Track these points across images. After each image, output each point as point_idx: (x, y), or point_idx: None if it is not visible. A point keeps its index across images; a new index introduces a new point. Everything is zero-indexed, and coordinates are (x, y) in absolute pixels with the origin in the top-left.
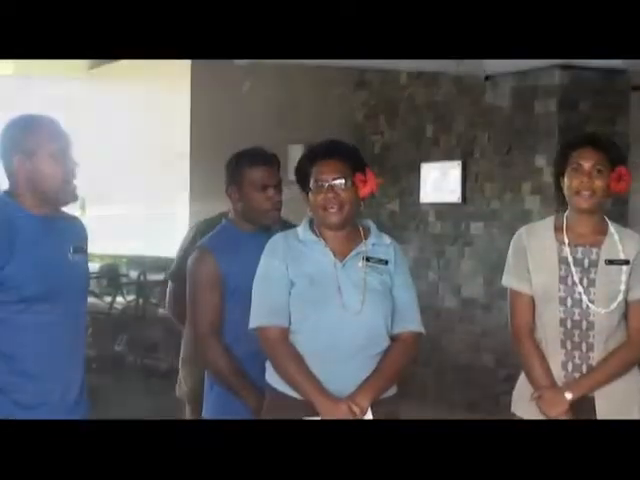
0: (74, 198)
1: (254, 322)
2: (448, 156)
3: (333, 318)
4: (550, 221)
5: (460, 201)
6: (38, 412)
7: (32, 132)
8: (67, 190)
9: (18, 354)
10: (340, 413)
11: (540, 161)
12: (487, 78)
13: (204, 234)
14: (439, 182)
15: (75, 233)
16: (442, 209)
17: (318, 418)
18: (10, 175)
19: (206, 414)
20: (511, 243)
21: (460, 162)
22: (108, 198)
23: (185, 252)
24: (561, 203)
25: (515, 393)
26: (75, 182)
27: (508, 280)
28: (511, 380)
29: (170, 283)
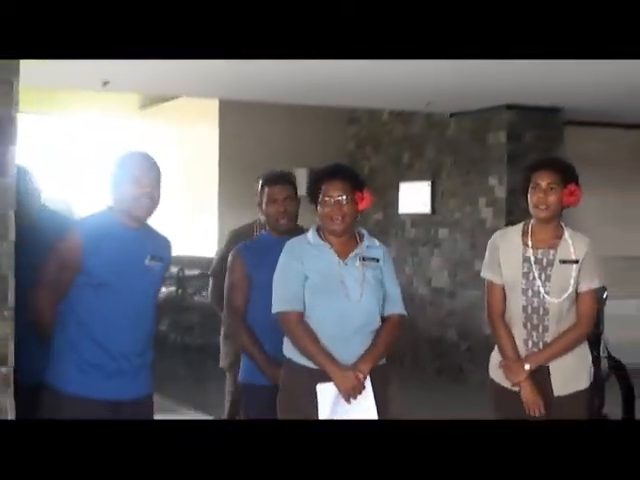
0: (150, 210)
1: (276, 308)
2: (421, 177)
3: (339, 305)
4: (519, 227)
5: (430, 212)
6: (95, 371)
7: (124, 164)
8: (143, 202)
9: (89, 323)
10: (348, 378)
11: (492, 181)
12: (451, 115)
13: (234, 240)
14: (414, 197)
15: (157, 246)
16: (416, 219)
17: (330, 383)
18: (113, 196)
19: (240, 377)
20: (488, 244)
21: (430, 182)
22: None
23: (222, 254)
24: (513, 213)
25: (491, 361)
26: (153, 197)
27: (485, 272)
28: (471, 351)
29: (211, 279)
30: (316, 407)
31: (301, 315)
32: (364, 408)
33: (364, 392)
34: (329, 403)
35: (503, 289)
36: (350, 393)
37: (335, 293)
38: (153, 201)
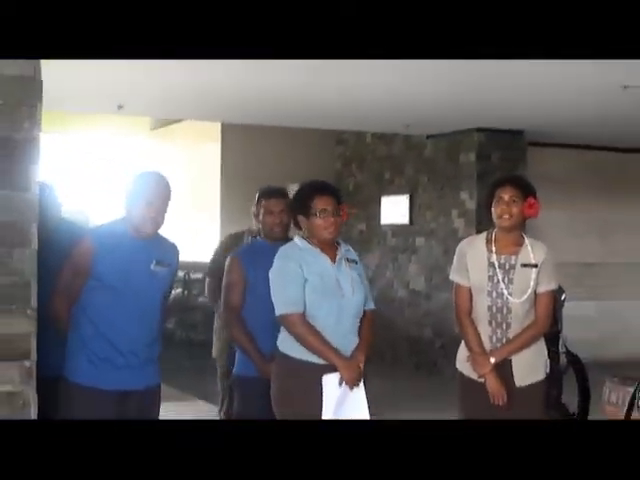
0: (155, 230)
1: (280, 310)
2: (400, 192)
3: (338, 303)
4: (483, 236)
5: (408, 223)
6: (105, 365)
7: (140, 185)
8: (149, 224)
9: (99, 322)
10: (353, 368)
11: (464, 195)
12: (428, 137)
13: (229, 244)
14: (394, 210)
15: (163, 252)
16: (396, 229)
17: (335, 374)
18: (126, 210)
19: (234, 370)
20: (456, 250)
21: (408, 196)
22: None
23: (216, 256)
24: (482, 223)
25: (458, 355)
26: (158, 221)
27: (453, 276)
28: (444, 348)
29: (207, 278)
30: (316, 397)
31: (302, 315)
32: (359, 396)
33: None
34: (335, 392)
35: (469, 290)
36: (355, 382)
37: (333, 291)
38: (159, 222)
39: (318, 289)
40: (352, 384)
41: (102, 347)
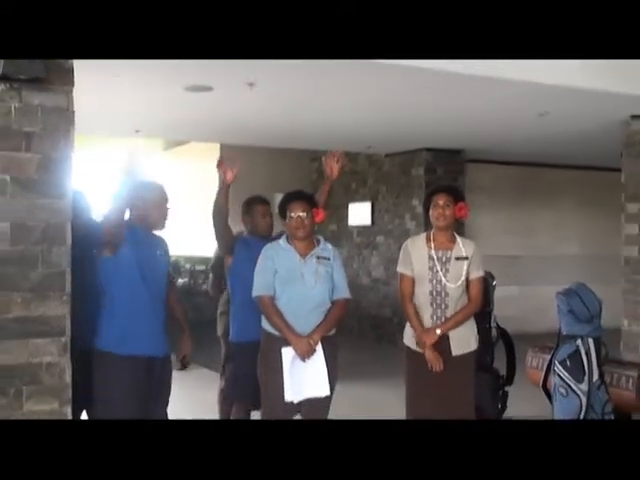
0: (163, 227)
1: (254, 293)
2: (364, 199)
3: (299, 291)
4: (424, 235)
5: (370, 224)
6: (132, 341)
7: (146, 192)
8: (165, 223)
9: (129, 300)
10: (303, 344)
11: (415, 202)
12: (386, 155)
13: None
14: (359, 214)
15: (162, 244)
16: (361, 229)
17: (291, 347)
18: (134, 212)
19: (231, 337)
20: (402, 247)
21: (370, 202)
22: (174, 224)
23: (218, 254)
24: (429, 225)
25: (405, 332)
26: (165, 219)
27: (399, 268)
28: (401, 324)
29: (211, 274)
30: (279, 363)
31: (271, 298)
32: (315, 366)
33: (315, 354)
34: (290, 361)
35: (412, 280)
36: (304, 355)
37: (296, 282)
38: (168, 220)
39: (284, 279)
40: (302, 356)
41: (132, 320)
